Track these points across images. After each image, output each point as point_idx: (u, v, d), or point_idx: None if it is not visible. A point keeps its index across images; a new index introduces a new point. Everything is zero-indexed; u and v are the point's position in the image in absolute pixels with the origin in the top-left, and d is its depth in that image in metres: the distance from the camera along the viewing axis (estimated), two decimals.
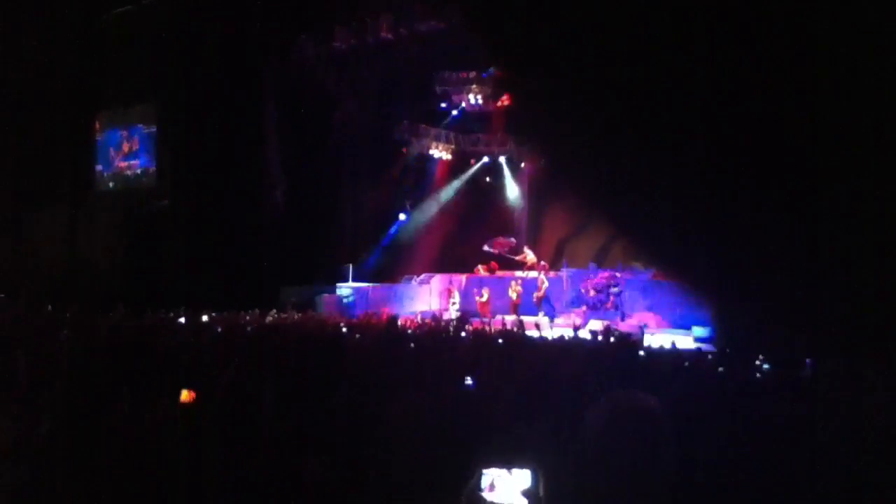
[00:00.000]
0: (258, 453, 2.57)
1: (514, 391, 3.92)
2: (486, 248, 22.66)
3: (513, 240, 22.88)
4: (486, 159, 25.36)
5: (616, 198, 16.08)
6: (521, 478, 1.95)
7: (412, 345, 7.47)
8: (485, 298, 20.61)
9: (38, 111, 21.32)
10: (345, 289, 20.62)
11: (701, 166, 13.40)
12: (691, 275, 15.71)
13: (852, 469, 2.78)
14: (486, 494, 1.94)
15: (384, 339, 8.30)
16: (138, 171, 22.32)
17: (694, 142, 13.28)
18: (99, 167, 23.16)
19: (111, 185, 22.99)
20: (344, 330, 10.22)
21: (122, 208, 21.30)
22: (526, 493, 1.91)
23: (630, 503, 1.60)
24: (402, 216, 24.53)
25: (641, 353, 8.84)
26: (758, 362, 7.48)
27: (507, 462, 1.97)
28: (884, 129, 11.10)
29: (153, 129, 21.80)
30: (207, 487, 2.55)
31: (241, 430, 2.68)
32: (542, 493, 1.86)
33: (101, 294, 15.63)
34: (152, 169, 21.87)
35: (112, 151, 22.90)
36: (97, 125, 23.20)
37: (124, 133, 22.58)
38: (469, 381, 4.43)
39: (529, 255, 22.11)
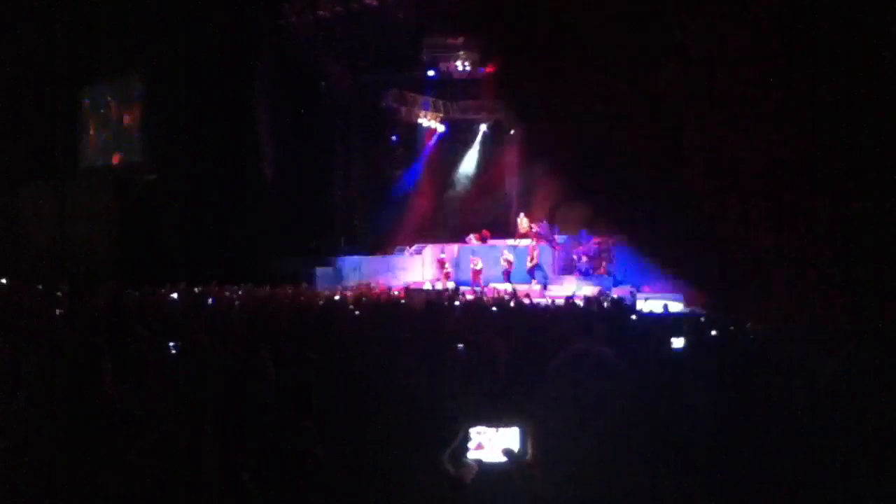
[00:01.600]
0: (260, 415, 2.59)
1: (504, 356, 3.94)
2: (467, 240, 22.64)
3: (486, 231, 22.81)
4: (484, 127, 25.18)
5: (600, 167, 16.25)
6: (509, 436, 1.97)
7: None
8: (478, 267, 20.63)
9: (22, 87, 21.04)
10: (338, 260, 20.61)
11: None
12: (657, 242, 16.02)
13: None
14: (472, 452, 1.96)
15: (380, 309, 8.33)
16: (126, 146, 22.12)
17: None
18: (85, 142, 22.94)
19: (99, 160, 22.80)
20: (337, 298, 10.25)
21: (110, 184, 21.14)
22: (507, 452, 1.93)
23: (588, 444, 1.64)
24: (394, 186, 24.45)
25: (634, 316, 8.92)
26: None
27: (495, 421, 1.99)
28: None
29: (140, 102, 21.56)
30: (202, 456, 2.56)
31: (245, 396, 2.69)
32: (529, 451, 1.88)
33: (91, 271, 15.56)
34: (140, 143, 21.68)
35: (99, 126, 22.68)
36: (83, 100, 22.94)
37: (111, 107, 22.34)
38: (461, 346, 4.45)
39: (523, 223, 22.07)
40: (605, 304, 10.01)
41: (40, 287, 11.59)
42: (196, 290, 11.57)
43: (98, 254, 19.12)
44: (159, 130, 20.64)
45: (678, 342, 5.26)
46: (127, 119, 22.03)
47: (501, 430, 1.97)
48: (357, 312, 8.01)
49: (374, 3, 18.27)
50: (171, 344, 4.51)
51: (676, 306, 15.02)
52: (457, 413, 2.11)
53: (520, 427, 1.96)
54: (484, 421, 2.00)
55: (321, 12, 18.99)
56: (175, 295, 10.65)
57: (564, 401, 1.65)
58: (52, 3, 20.59)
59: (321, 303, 8.39)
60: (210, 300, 9.65)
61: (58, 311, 7.42)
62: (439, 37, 21.46)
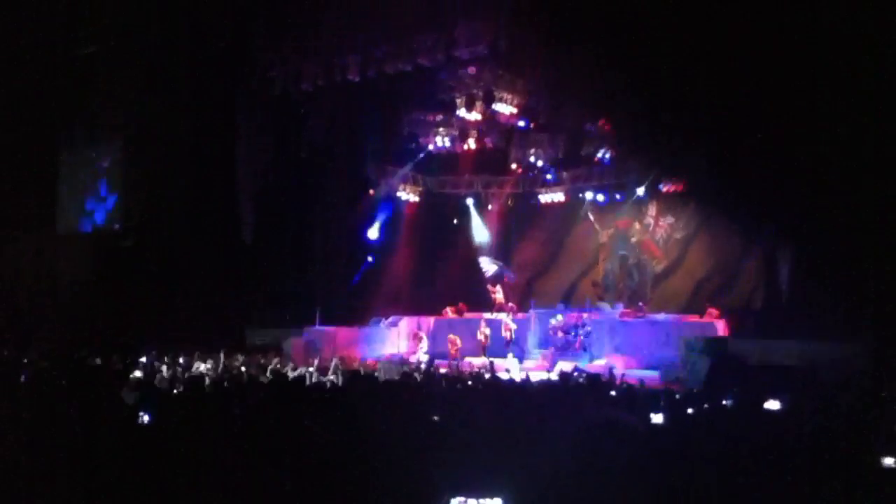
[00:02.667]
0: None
1: (485, 428, 3.91)
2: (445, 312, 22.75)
3: (462, 304, 22.94)
4: (470, 201, 25.50)
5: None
6: None
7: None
8: (457, 344, 20.48)
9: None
10: (313, 331, 20.39)
11: None
12: None
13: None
14: None
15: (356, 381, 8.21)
16: (103, 209, 22.01)
17: None
18: (62, 206, 22.78)
19: (75, 222, 22.60)
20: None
21: (86, 247, 20.94)
22: None
23: None
24: (370, 258, 24.45)
25: (613, 392, 8.86)
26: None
27: (476, 492, 1.95)
28: None
29: (118, 167, 21.57)
30: None
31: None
32: None
33: (64, 336, 15.27)
34: (118, 207, 21.58)
35: (76, 190, 22.58)
36: (61, 163, 22.89)
37: (90, 169, 22.30)
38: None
39: (499, 294, 22.14)
40: (581, 380, 9.98)
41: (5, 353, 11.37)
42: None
43: (72, 318, 18.77)
44: (136, 196, 20.61)
45: (657, 418, 5.25)
46: (105, 182, 21.97)
47: (483, 500, 1.94)
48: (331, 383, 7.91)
49: (357, 78, 18.67)
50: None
51: (654, 381, 15.03)
52: (437, 484, 2.06)
53: (503, 498, 1.93)
54: (464, 492, 1.96)
55: (304, 85, 19.34)
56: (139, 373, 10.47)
57: (566, 470, 1.63)
58: (31, 63, 20.76)
59: (294, 374, 8.29)
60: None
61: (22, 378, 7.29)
62: (419, 112, 21.93)
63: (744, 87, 14.00)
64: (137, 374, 10.18)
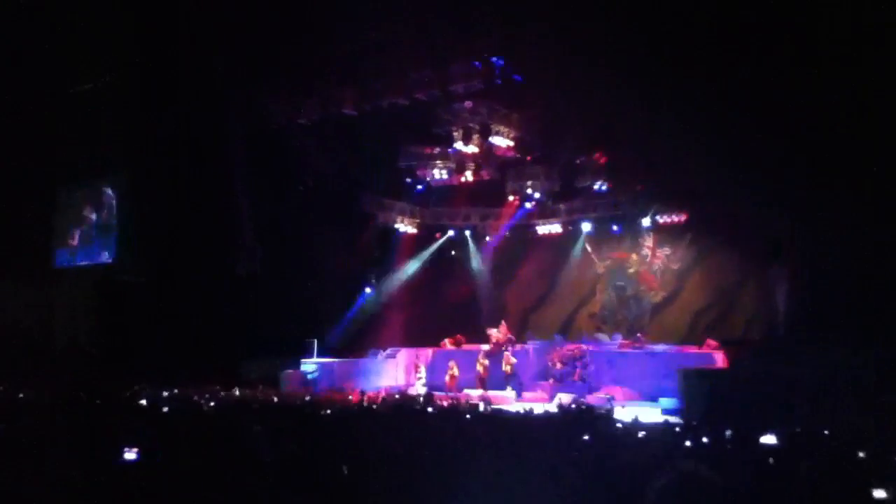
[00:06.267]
0: None
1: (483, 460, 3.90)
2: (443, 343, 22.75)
3: (460, 336, 22.92)
4: (451, 233, 25.63)
5: None
6: None
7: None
8: (454, 372, 20.40)
9: None
10: (309, 364, 20.28)
11: None
12: None
13: None
14: None
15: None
16: (100, 246, 22.02)
17: None
18: (60, 242, 22.81)
19: (72, 260, 22.61)
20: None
21: (83, 284, 20.91)
22: None
23: None
24: (367, 289, 24.45)
25: (619, 425, 8.75)
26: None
27: None
28: None
29: (113, 204, 21.64)
30: None
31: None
32: None
33: (62, 370, 15.19)
34: (112, 244, 21.60)
35: (71, 225, 22.62)
36: (59, 200, 22.97)
37: (87, 206, 22.36)
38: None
39: (494, 334, 22.01)
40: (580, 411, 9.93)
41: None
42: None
43: (67, 354, 18.69)
44: (132, 233, 20.65)
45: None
46: (102, 219, 22.02)
47: None
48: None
49: (354, 112, 18.83)
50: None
51: (653, 413, 14.95)
52: None
53: None
54: None
55: (302, 120, 19.49)
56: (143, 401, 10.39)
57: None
58: (31, 104, 20.91)
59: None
60: None
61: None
62: (416, 145, 22.07)
63: (738, 113, 14.13)
64: (143, 402, 10.08)
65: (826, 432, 7.64)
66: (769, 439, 6.20)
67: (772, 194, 15.52)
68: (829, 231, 14.68)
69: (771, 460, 5.03)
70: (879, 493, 4.42)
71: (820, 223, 14.94)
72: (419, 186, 23.25)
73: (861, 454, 5.59)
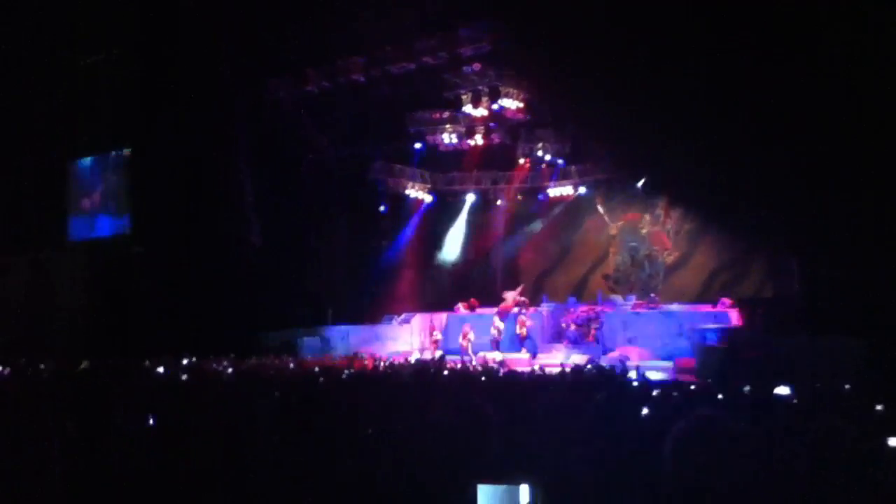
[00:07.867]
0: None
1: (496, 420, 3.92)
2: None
3: (474, 300, 22.97)
4: (473, 197, 25.49)
5: None
6: (518, 493, 1.95)
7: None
8: (470, 336, 20.50)
9: (8, 159, 21.16)
10: (325, 330, 20.44)
11: None
12: None
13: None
14: None
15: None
16: (111, 218, 22.13)
17: None
18: (72, 214, 22.93)
19: (85, 232, 22.74)
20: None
21: (95, 255, 21.05)
22: None
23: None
24: (381, 256, 24.52)
25: (634, 384, 8.78)
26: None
27: (503, 479, 1.96)
28: None
29: (125, 174, 21.69)
30: None
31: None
32: None
33: (77, 344, 15.36)
34: (125, 215, 21.70)
35: (84, 198, 22.72)
36: (70, 172, 23.04)
37: (96, 179, 22.44)
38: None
39: (508, 298, 22.04)
40: (594, 372, 9.94)
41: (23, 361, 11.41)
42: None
43: (84, 326, 18.88)
44: (144, 203, 20.70)
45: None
46: (111, 191, 22.09)
47: (509, 486, 1.95)
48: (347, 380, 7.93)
49: (362, 78, 18.70)
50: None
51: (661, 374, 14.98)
52: (461, 471, 2.08)
53: (530, 484, 1.94)
54: (490, 478, 1.97)
55: (309, 87, 19.38)
56: (161, 369, 10.48)
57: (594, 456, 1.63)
58: (39, 76, 20.90)
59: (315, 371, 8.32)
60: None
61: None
62: (424, 110, 21.91)
63: (744, 86, 13.92)
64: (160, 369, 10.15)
65: (847, 386, 7.64)
66: (783, 390, 6.20)
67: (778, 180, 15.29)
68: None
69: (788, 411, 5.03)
70: (894, 442, 4.43)
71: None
72: (417, 145, 22.79)
73: (879, 407, 5.57)
